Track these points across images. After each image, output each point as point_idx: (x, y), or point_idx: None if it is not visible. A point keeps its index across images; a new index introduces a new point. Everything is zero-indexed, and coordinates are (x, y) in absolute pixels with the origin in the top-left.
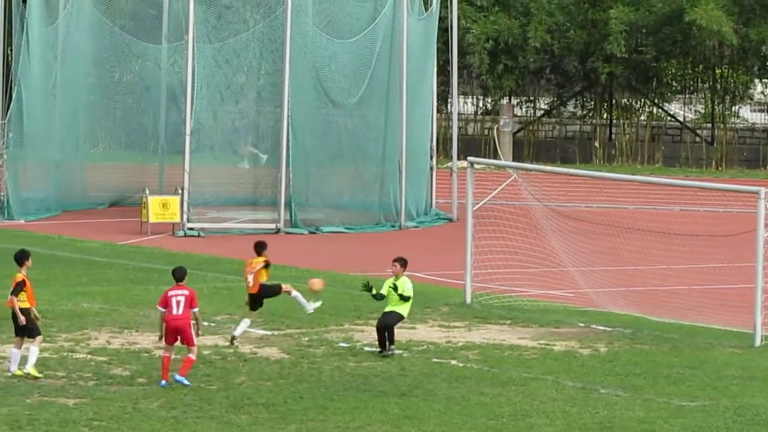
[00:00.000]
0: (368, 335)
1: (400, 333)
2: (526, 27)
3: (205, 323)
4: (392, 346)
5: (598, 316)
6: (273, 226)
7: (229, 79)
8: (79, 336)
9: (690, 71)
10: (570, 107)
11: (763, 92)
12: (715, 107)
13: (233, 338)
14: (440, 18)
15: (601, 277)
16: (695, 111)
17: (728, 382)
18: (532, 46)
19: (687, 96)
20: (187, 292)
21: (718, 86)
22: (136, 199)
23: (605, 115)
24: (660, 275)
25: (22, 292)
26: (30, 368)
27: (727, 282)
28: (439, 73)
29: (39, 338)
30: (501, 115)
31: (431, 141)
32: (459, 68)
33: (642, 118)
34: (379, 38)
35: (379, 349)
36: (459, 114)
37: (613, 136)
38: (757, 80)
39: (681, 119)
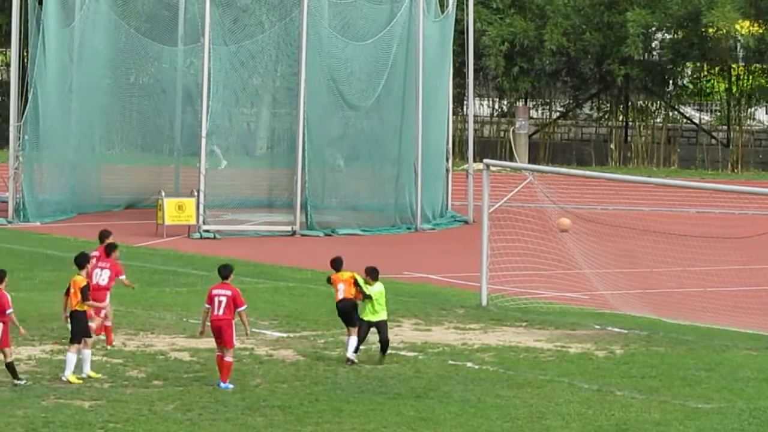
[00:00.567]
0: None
1: (415, 335)
2: (542, 29)
3: None
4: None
5: (614, 318)
6: (289, 228)
7: (244, 81)
8: (94, 338)
9: (706, 73)
10: (586, 109)
11: None
12: (731, 109)
13: (348, 360)
14: (456, 20)
15: (617, 279)
16: (711, 113)
17: (744, 384)
18: (548, 48)
19: (703, 98)
20: (229, 293)
21: (734, 88)
22: (151, 201)
23: (621, 118)
24: (676, 277)
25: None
26: (89, 371)
27: (742, 284)
28: (454, 76)
29: (91, 340)
30: (517, 118)
31: (447, 143)
32: (475, 70)
33: (658, 120)
34: (395, 40)
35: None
36: (475, 116)
37: (629, 138)
38: None
39: (697, 121)
